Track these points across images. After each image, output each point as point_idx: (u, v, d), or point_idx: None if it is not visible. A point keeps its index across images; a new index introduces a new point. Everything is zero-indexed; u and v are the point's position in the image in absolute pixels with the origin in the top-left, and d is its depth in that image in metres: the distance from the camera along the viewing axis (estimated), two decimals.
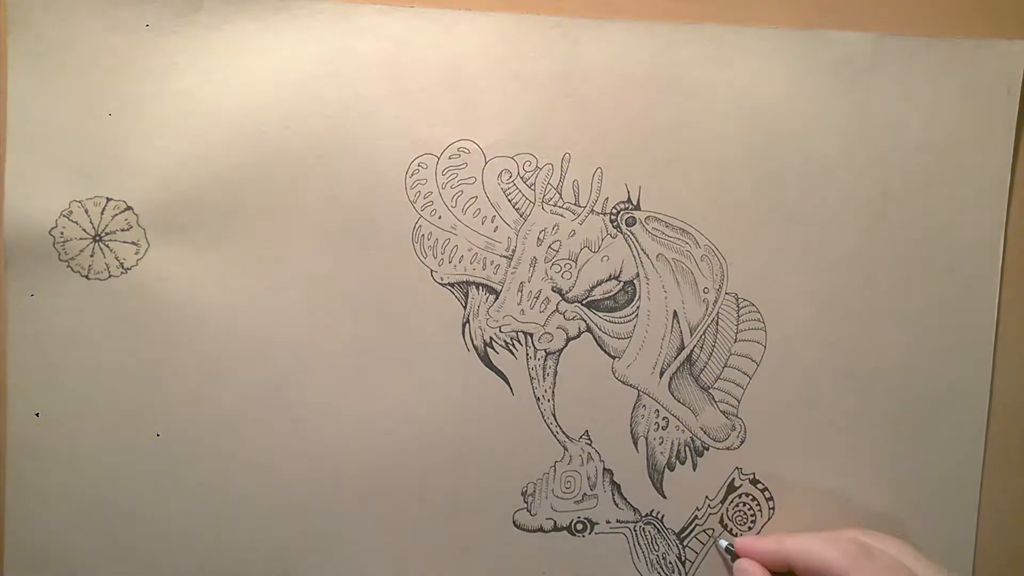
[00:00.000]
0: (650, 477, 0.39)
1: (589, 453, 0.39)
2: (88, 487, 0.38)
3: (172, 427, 0.38)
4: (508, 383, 0.39)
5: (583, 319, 0.39)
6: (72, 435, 0.38)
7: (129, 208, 0.38)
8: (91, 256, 0.38)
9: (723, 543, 0.39)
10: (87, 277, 0.38)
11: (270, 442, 0.38)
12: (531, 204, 0.38)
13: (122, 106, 0.37)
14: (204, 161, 0.38)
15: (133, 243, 0.38)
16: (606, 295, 0.39)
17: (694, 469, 0.39)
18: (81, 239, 0.38)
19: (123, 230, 0.38)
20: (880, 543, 0.35)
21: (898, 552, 0.35)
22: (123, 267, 0.38)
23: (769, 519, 0.39)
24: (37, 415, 0.38)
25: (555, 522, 0.39)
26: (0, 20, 0.38)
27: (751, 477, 0.39)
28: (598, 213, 0.38)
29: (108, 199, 0.38)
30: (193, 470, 0.38)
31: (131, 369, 0.38)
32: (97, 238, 0.38)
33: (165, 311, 0.38)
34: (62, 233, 0.38)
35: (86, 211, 0.38)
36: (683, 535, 0.39)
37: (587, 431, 0.39)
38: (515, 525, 0.39)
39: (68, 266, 0.38)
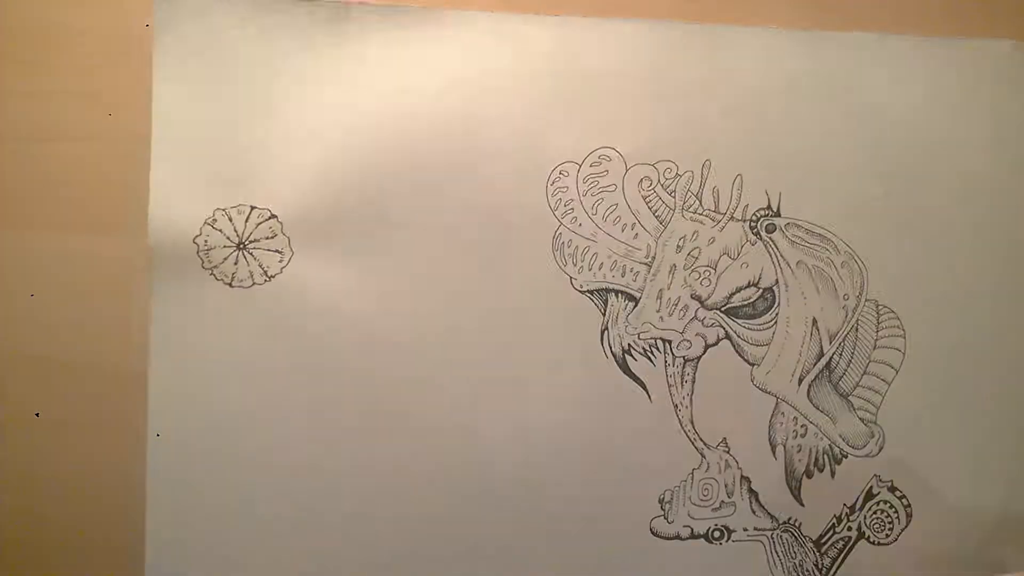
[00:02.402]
0: (788, 485, 0.39)
1: (727, 460, 0.39)
2: (232, 490, 0.38)
3: (310, 433, 0.38)
4: (646, 390, 0.39)
5: (722, 326, 0.39)
6: (215, 439, 0.38)
7: (273, 216, 0.38)
8: (235, 264, 0.38)
9: None
10: (230, 285, 0.38)
11: (407, 450, 0.39)
12: (671, 211, 0.38)
13: (267, 114, 0.38)
14: (348, 169, 0.38)
15: (277, 251, 0.38)
16: (745, 302, 0.39)
17: (832, 477, 0.39)
18: (225, 247, 0.38)
19: (267, 238, 0.38)
20: None
21: None
22: (267, 275, 0.38)
23: (907, 526, 0.39)
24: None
25: (692, 529, 0.39)
26: (147, 28, 0.38)
27: (889, 484, 0.39)
28: (738, 220, 0.38)
29: (252, 207, 0.38)
30: (328, 475, 0.39)
31: (272, 375, 0.38)
32: (241, 246, 0.38)
33: (307, 319, 0.38)
34: (206, 241, 0.38)
35: (230, 219, 0.38)
36: (821, 542, 0.39)
37: (725, 438, 0.39)
38: (652, 532, 0.39)
39: (212, 274, 0.38)
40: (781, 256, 0.38)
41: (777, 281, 0.39)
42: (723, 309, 0.39)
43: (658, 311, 0.39)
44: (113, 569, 0.39)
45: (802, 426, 0.39)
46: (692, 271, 0.38)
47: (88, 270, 0.39)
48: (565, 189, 0.38)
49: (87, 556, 0.39)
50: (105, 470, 0.39)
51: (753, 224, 0.38)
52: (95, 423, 0.39)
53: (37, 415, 0.39)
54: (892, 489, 0.39)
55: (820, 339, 0.39)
